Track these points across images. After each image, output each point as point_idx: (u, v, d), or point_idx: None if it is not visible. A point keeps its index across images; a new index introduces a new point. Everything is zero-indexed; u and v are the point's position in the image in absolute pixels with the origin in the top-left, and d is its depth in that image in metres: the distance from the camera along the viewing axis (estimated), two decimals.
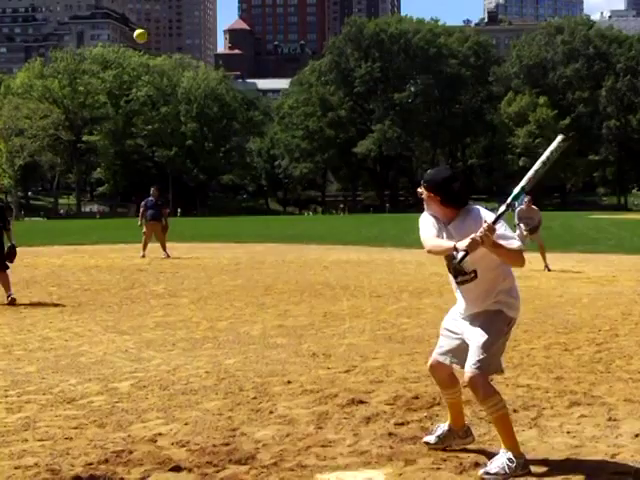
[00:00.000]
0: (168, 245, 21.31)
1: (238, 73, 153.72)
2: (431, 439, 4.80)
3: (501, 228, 4.29)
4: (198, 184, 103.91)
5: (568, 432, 5.13)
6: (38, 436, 5.18)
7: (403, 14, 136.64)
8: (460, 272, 4.45)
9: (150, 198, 21.60)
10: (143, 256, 20.63)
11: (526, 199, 17.00)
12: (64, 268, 17.98)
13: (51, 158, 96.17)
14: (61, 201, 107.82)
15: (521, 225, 16.81)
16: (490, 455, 4.53)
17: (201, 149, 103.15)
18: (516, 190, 4.36)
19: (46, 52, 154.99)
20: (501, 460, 4.32)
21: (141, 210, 21.68)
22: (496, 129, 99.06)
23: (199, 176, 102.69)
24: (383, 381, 6.64)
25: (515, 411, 5.63)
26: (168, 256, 20.41)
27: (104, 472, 4.46)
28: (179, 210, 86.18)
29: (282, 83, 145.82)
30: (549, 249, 17.66)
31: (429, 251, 4.48)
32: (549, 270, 16.07)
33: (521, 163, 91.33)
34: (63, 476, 4.39)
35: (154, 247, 21.23)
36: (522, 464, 4.32)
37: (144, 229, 21.24)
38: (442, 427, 4.82)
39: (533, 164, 4.43)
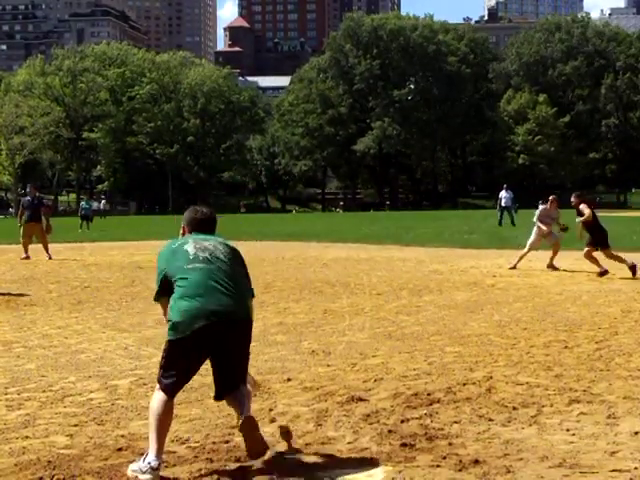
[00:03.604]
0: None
1: (238, 71, 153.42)
2: None
3: None
4: (198, 182, 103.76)
5: (567, 430, 5.13)
6: (38, 433, 5.18)
7: (403, 12, 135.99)
8: None
9: (27, 198, 20.46)
10: (27, 257, 19.16)
11: (551, 198, 16.74)
12: (63, 265, 17.97)
13: (51, 156, 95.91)
14: (61, 198, 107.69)
15: (557, 233, 16.30)
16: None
17: (203, 146, 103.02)
18: None
19: (46, 50, 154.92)
20: None
21: (20, 210, 20.64)
22: (496, 127, 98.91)
23: (199, 173, 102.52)
24: (383, 379, 6.64)
25: (515, 409, 5.63)
26: (50, 258, 19.11)
27: (104, 469, 4.47)
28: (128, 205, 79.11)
29: (282, 81, 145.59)
30: (549, 247, 17.57)
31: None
32: (553, 269, 15.64)
33: (520, 161, 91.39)
34: (63, 473, 4.39)
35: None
36: None
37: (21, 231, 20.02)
38: None
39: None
